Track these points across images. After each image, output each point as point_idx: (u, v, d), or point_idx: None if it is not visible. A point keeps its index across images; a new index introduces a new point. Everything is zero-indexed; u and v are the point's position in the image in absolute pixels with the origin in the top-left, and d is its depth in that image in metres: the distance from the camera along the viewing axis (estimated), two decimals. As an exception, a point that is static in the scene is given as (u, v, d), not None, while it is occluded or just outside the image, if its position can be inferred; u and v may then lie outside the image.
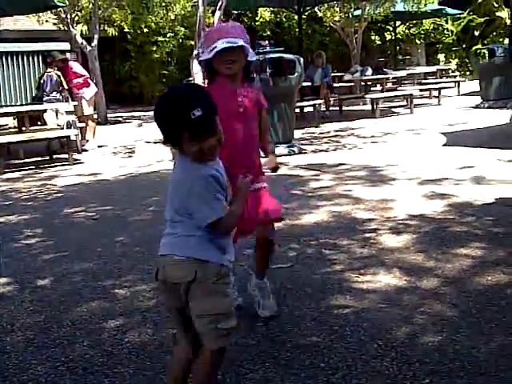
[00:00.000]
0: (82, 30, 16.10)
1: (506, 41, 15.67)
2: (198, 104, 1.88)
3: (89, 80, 10.55)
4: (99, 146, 10.19)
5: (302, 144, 8.91)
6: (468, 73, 21.63)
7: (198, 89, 2.07)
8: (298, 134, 9.58)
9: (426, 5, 18.56)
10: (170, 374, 2.19)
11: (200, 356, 2.04)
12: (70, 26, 14.35)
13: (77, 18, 15.59)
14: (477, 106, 12.92)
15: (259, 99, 2.95)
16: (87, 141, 10.16)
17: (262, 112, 2.97)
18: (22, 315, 3.13)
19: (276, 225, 2.86)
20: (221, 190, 1.96)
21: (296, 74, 8.26)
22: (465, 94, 16.26)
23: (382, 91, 13.63)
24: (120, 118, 15.79)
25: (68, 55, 11.38)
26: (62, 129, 9.17)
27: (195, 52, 9.23)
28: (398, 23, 22.66)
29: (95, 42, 14.35)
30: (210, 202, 1.93)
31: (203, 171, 1.95)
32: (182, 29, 19.41)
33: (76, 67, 10.49)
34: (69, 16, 14.39)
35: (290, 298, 3.12)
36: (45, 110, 9.49)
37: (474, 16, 22.24)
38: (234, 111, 2.77)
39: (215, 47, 2.64)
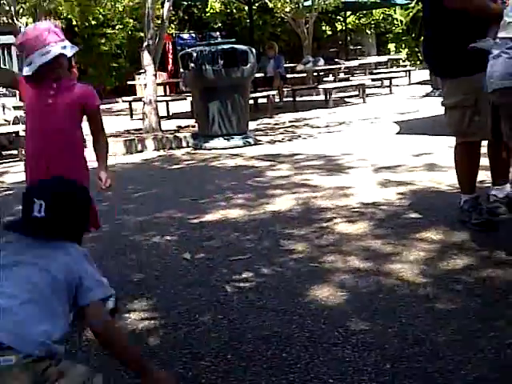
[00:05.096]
0: (27, 23, 15.61)
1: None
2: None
3: None
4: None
5: (257, 135, 8.89)
6: (418, 62, 21.98)
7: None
8: (252, 125, 9.54)
9: (375, -5, 18.81)
10: None
11: None
12: (15, 19, 13.90)
13: (21, 11, 15.10)
14: (427, 95, 13.16)
15: (81, 95, 2.99)
16: None
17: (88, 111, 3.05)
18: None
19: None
20: None
21: (249, 65, 8.22)
22: (416, 83, 16.55)
23: (334, 81, 13.75)
24: (70, 113, 15.43)
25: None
26: (9, 124, 8.89)
27: (145, 44, 9.08)
28: (348, 13, 22.88)
29: (42, 35, 13.94)
30: None
31: None
32: (131, 21, 19.07)
33: None
34: (13, 8, 13.94)
35: (250, 290, 3.09)
36: (-9, 106, 9.18)
37: (422, 6, 22.60)
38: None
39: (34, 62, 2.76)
